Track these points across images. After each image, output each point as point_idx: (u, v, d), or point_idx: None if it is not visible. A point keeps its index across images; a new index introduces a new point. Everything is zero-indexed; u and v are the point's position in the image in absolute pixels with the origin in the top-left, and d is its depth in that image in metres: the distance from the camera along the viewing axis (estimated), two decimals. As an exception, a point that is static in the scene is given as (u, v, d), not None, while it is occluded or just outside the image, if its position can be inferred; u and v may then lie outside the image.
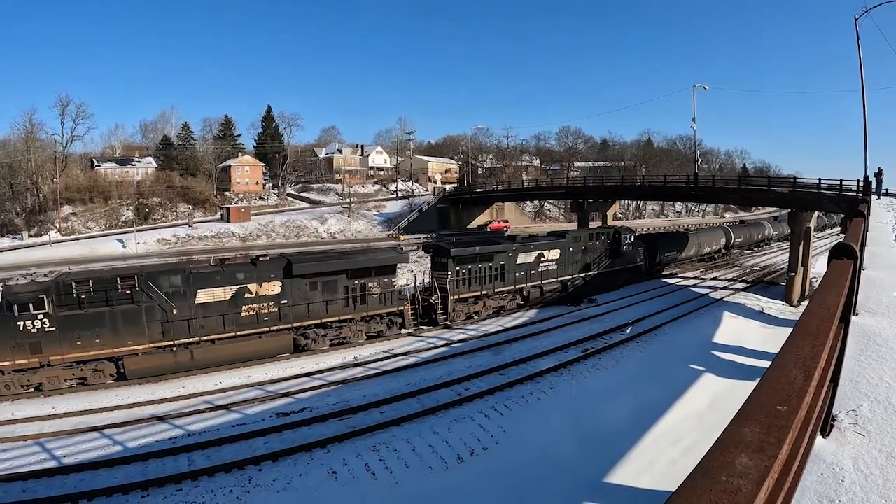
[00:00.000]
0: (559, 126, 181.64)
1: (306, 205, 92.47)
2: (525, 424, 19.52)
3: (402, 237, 73.47)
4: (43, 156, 79.51)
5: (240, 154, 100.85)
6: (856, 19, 32.85)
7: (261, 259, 27.39)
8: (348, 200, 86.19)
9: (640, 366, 25.62)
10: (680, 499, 1.27)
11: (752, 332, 31.09)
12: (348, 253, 34.12)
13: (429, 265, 37.79)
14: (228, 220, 74.55)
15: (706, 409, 20.19)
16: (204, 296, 24.76)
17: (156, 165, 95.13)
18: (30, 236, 66.78)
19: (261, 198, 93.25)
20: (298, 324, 27.20)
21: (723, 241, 61.84)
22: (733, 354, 26.68)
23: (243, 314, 25.65)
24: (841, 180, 38.84)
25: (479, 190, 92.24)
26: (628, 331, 30.42)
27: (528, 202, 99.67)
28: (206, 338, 24.77)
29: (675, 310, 36.07)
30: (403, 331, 31.08)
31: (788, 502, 2.40)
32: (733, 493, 1.31)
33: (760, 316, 35.45)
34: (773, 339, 28.01)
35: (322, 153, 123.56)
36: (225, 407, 21.01)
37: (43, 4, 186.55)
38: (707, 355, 26.64)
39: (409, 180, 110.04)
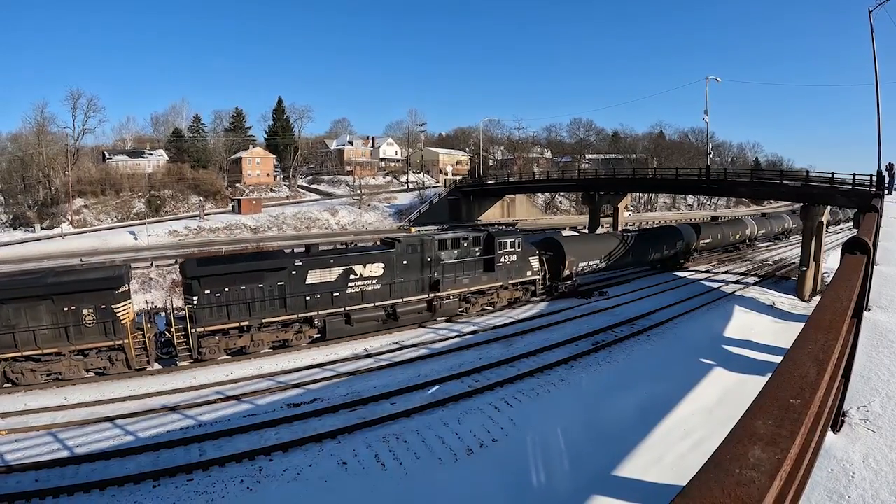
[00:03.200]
0: (570, 118, 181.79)
1: (317, 196, 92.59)
2: (535, 417, 19.54)
3: (413, 229, 73.45)
4: (54, 149, 79.95)
5: (251, 146, 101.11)
6: (870, 12, 32.54)
7: None
8: (359, 192, 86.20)
9: (651, 359, 25.56)
10: (693, 490, 1.28)
11: (763, 327, 30.92)
12: (59, 270, 25.69)
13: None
14: (239, 212, 74.70)
15: (716, 403, 20.14)
16: None
17: (167, 158, 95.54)
18: (42, 229, 67.21)
19: (272, 189, 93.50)
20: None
21: (679, 244, 50.31)
22: (744, 349, 26.56)
23: None
24: (854, 174, 38.48)
25: (489, 182, 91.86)
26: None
27: (539, 194, 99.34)
28: None
29: (686, 303, 35.93)
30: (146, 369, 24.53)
31: (799, 497, 2.41)
32: (746, 485, 1.32)
33: (772, 310, 35.25)
34: (784, 334, 27.89)
35: (333, 145, 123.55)
36: (236, 397, 21.18)
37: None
38: (718, 349, 26.55)
39: (419, 172, 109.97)
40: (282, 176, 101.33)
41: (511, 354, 25.68)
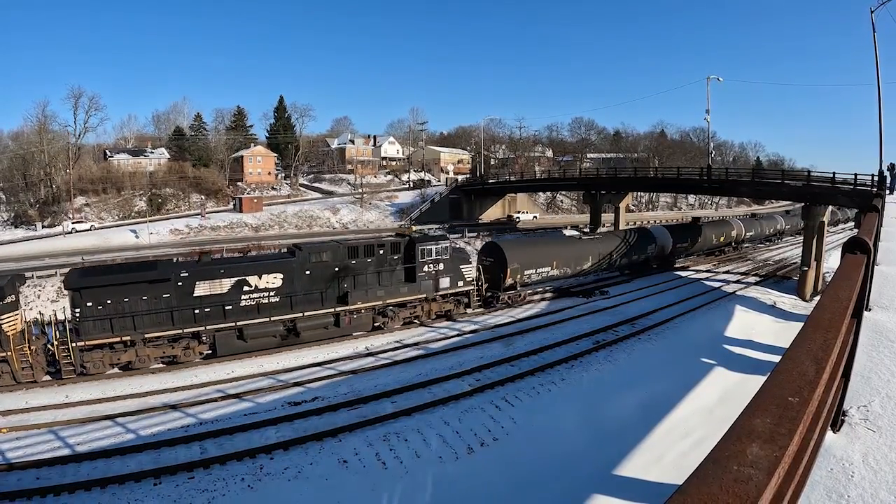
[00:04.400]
0: (572, 117, 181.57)
1: (318, 195, 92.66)
2: (536, 415, 19.56)
3: (414, 228, 73.53)
4: (56, 147, 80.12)
5: (252, 145, 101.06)
6: (872, 12, 32.51)
7: None
8: (360, 191, 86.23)
9: (652, 358, 25.57)
10: (691, 487, 1.28)
11: (764, 327, 30.93)
12: None
13: None
14: (241, 211, 74.75)
15: (716, 403, 20.15)
16: None
17: (168, 156, 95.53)
18: (43, 227, 67.28)
19: (273, 188, 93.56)
20: None
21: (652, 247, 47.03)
22: (745, 348, 26.56)
23: None
24: (855, 174, 38.56)
25: (491, 181, 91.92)
26: None
27: (540, 193, 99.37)
28: None
29: (686, 303, 35.94)
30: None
31: (798, 496, 2.41)
32: (744, 482, 1.32)
33: (773, 310, 35.26)
34: (785, 334, 27.86)
35: (334, 144, 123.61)
36: (237, 396, 21.21)
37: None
38: (718, 349, 26.55)
39: (421, 171, 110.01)
40: (283, 174, 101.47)
41: (511, 353, 25.71)
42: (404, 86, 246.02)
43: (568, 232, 60.32)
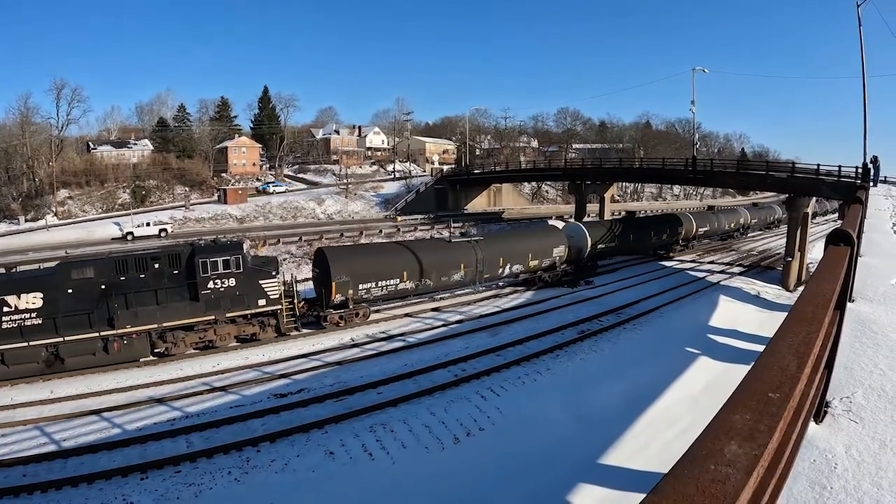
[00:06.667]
0: (557, 107, 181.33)
1: (303, 186, 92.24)
2: (521, 405, 19.63)
3: (399, 218, 73.44)
4: (38, 140, 79.41)
5: (236, 135, 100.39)
6: (858, 6, 32.65)
7: None
8: (345, 181, 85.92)
9: (637, 348, 25.70)
10: (667, 486, 1.27)
11: (748, 317, 31.16)
12: None
13: None
14: (225, 202, 74.22)
15: (701, 392, 20.30)
16: None
17: (152, 148, 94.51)
18: (26, 221, 66.56)
19: (258, 179, 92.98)
20: None
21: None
22: (729, 338, 26.75)
23: None
24: (839, 167, 38.89)
25: (476, 171, 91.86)
26: None
27: (525, 184, 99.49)
28: None
29: (671, 292, 36.13)
30: None
31: (780, 488, 2.42)
32: (721, 481, 1.31)
33: (757, 300, 35.53)
34: (768, 323, 28.10)
35: (319, 134, 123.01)
36: (223, 388, 21.10)
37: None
38: (703, 338, 26.72)
39: (406, 161, 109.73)
40: (268, 165, 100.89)
41: (497, 343, 25.76)
42: (390, 75, 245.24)
43: (552, 222, 57.62)
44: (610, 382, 21.41)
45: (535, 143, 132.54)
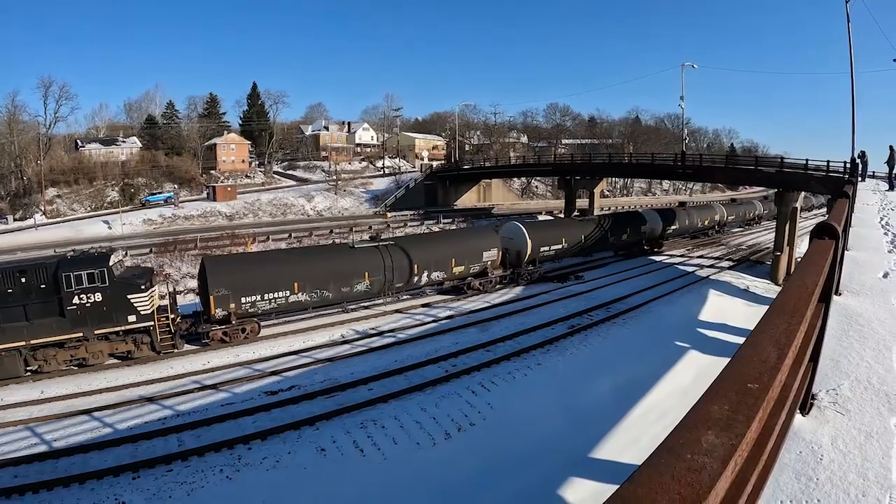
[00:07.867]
0: (547, 103, 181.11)
1: (293, 183, 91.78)
2: (512, 400, 19.67)
3: (389, 214, 73.36)
4: (26, 138, 78.53)
5: (225, 132, 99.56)
6: (846, 3, 32.78)
7: None
8: (335, 178, 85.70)
9: (627, 342, 25.79)
10: (642, 476, 1.29)
11: (736, 310, 31.36)
12: None
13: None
14: (215, 199, 73.83)
15: (691, 385, 20.41)
16: None
17: (140, 145, 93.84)
18: (15, 220, 65.97)
19: (247, 176, 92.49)
20: None
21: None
22: (718, 332, 26.93)
23: None
24: (828, 161, 39.08)
25: (466, 167, 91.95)
26: None
27: (515, 179, 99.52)
28: None
29: (661, 287, 36.27)
30: None
31: (765, 479, 2.45)
32: (697, 470, 1.33)
33: (746, 294, 35.75)
34: (757, 317, 27.37)
35: (308, 130, 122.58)
36: (214, 386, 21.07)
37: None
38: (693, 332, 26.88)
39: (396, 157, 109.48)
40: (257, 162, 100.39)
41: (487, 339, 25.80)
42: (379, 71, 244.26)
43: (543, 218, 57.09)
44: (600, 377, 21.50)
45: (524, 139, 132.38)
